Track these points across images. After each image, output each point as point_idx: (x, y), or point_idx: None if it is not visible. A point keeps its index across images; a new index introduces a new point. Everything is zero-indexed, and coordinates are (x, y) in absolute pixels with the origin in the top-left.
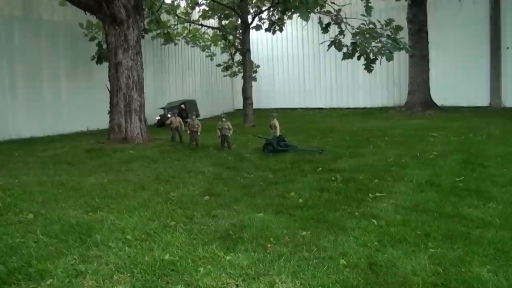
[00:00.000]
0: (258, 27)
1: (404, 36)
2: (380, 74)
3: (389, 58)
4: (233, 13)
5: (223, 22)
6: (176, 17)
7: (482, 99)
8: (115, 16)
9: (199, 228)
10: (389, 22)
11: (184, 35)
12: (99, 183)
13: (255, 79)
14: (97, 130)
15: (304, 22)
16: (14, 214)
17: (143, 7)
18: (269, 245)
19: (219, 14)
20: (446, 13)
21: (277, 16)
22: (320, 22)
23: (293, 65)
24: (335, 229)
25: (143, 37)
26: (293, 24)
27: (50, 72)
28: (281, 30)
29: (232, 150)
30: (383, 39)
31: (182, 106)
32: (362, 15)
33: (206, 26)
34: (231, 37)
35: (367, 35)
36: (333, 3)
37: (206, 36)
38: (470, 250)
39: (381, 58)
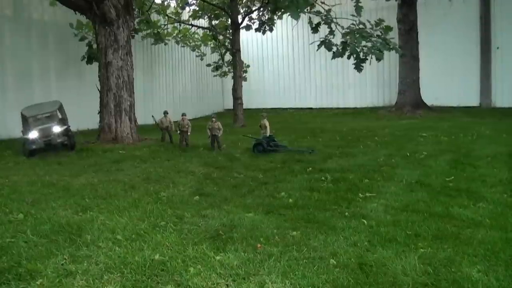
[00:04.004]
0: (248, 27)
1: (394, 36)
2: (370, 74)
3: (379, 58)
4: (223, 13)
5: (213, 22)
6: (166, 17)
7: (472, 99)
8: (105, 16)
9: (189, 228)
10: (379, 22)
11: (174, 35)
12: (89, 183)
13: (245, 79)
14: (87, 130)
15: (294, 22)
16: (4, 214)
17: (133, 7)
18: (259, 245)
19: (209, 14)
20: (436, 13)
21: (267, 16)
22: (310, 22)
23: (283, 65)
24: (325, 229)
25: (133, 37)
26: (283, 24)
27: (40, 72)
28: (271, 30)
29: (222, 150)
30: (373, 39)
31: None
32: (352, 15)
33: (196, 26)
34: (221, 37)
35: (357, 35)
36: (323, 3)
37: (196, 36)
38: (460, 250)
39: (371, 57)
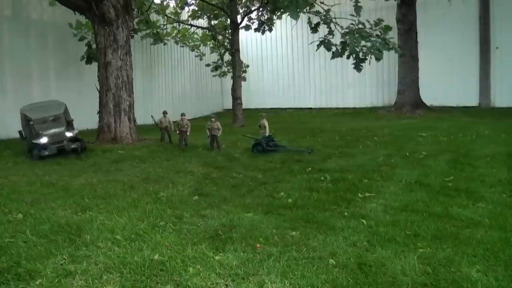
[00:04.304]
0: (247, 27)
1: (393, 36)
2: (369, 74)
3: (379, 57)
4: (222, 13)
5: (213, 22)
6: (166, 17)
7: (471, 99)
8: (104, 16)
9: (188, 228)
10: (378, 22)
11: (173, 35)
12: (89, 183)
13: (244, 79)
14: (87, 130)
15: (294, 22)
16: (4, 214)
17: (133, 7)
18: (258, 245)
19: (208, 14)
20: (435, 13)
21: (266, 16)
22: (310, 22)
23: (283, 65)
24: (325, 229)
25: (132, 37)
26: (283, 24)
27: (40, 72)
28: (270, 30)
29: (221, 150)
30: (373, 39)
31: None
32: (352, 15)
33: (195, 26)
34: (220, 37)
35: (357, 35)
36: (322, 3)
37: (195, 36)
38: (460, 250)
39: (370, 57)
